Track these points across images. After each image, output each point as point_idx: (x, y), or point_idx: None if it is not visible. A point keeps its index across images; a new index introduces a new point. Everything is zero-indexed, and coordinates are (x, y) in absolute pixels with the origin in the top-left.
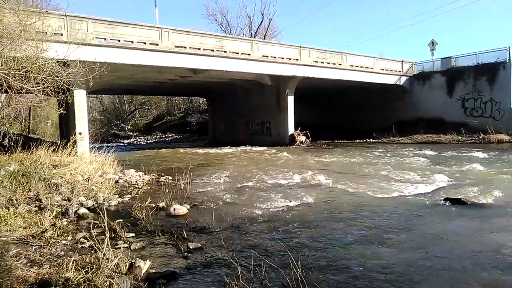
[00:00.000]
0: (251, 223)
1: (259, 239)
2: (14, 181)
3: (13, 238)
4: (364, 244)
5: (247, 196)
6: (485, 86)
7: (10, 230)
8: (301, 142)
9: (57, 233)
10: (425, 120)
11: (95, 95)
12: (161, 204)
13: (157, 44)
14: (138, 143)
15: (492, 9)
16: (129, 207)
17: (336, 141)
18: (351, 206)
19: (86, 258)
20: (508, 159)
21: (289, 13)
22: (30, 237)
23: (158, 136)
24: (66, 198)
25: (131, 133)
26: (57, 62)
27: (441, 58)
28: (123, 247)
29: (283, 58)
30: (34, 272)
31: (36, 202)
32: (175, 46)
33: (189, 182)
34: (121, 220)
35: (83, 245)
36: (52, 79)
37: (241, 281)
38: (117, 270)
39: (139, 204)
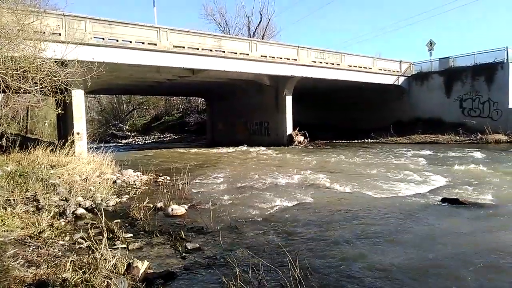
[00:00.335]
0: (249, 224)
1: (257, 239)
2: (12, 181)
3: (11, 239)
4: (362, 244)
5: (245, 196)
6: (483, 86)
7: (7, 231)
8: (299, 142)
9: (54, 233)
10: (423, 120)
11: (93, 95)
12: (159, 205)
13: (155, 44)
14: (136, 143)
15: (490, 10)
16: (127, 207)
17: (334, 141)
18: (349, 206)
19: (83, 258)
20: (505, 159)
21: (287, 13)
22: (28, 237)
23: (156, 136)
24: (64, 199)
25: (129, 133)
26: (55, 62)
27: (439, 58)
28: (121, 248)
29: (281, 58)
30: (31, 273)
31: (34, 202)
32: (174, 46)
33: (187, 182)
34: (119, 221)
35: (81, 246)
36: (50, 79)
37: (239, 282)
38: (114, 271)
39: (137, 204)
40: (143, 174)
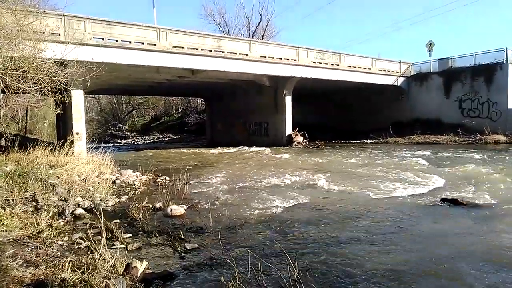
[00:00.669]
0: (248, 224)
1: (256, 239)
2: (11, 181)
3: (9, 239)
4: (361, 244)
5: (244, 196)
6: (482, 87)
7: (6, 231)
8: (299, 143)
9: (53, 233)
10: (422, 120)
11: (93, 95)
12: (158, 205)
13: (155, 44)
14: (135, 143)
15: (489, 10)
16: (126, 207)
17: (333, 141)
18: (348, 206)
19: (82, 258)
20: (504, 160)
21: (287, 13)
22: (27, 237)
23: (156, 137)
24: (63, 199)
25: (128, 133)
26: (55, 62)
27: (439, 59)
28: (119, 248)
29: (281, 58)
30: (30, 273)
31: (33, 202)
32: (173, 46)
33: (186, 183)
34: (118, 221)
35: (80, 246)
36: (50, 79)
37: (238, 282)
38: (113, 271)
39: (136, 204)
40: (142, 174)
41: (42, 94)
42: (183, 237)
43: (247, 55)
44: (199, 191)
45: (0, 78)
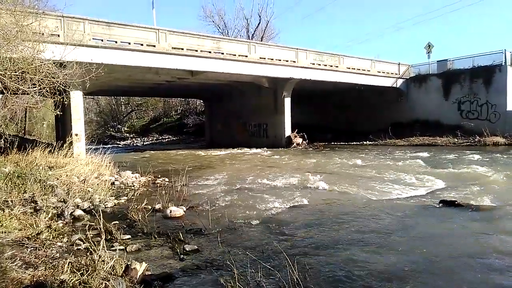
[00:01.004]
0: (248, 225)
1: (256, 241)
2: (10, 182)
3: (8, 240)
4: (360, 246)
5: (244, 198)
6: (481, 88)
7: (5, 232)
8: (298, 144)
9: (52, 235)
10: (421, 122)
11: (92, 96)
12: (157, 206)
13: (154, 46)
14: (134, 144)
15: (488, 12)
16: (125, 209)
17: (333, 143)
18: (347, 208)
19: (81, 260)
20: (503, 162)
21: (286, 15)
22: (26, 239)
23: (155, 138)
24: (62, 200)
25: (127, 134)
26: (54, 63)
27: (438, 61)
28: (119, 249)
29: (280, 60)
30: (29, 274)
31: (32, 203)
32: (172, 48)
33: (186, 184)
34: (117, 222)
35: (79, 247)
36: (49, 80)
37: (237, 283)
38: (112, 272)
39: (135, 206)
40: (141, 176)
41: (41, 95)
42: (182, 238)
43: (246, 56)
44: (198, 192)
45: None
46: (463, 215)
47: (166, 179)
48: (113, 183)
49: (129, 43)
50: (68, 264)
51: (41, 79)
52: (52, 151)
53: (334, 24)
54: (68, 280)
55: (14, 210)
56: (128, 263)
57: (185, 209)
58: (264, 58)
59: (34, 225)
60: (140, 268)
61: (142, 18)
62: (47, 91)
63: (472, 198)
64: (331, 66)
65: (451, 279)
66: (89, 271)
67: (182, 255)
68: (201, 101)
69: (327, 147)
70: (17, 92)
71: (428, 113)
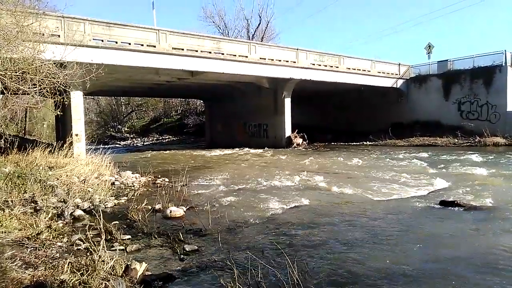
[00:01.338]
0: (248, 225)
1: (256, 241)
2: (10, 182)
3: (8, 240)
4: (360, 246)
5: (244, 198)
6: (481, 89)
7: (5, 232)
8: (298, 145)
9: (52, 235)
10: (421, 122)
11: (92, 97)
12: (157, 206)
13: (154, 46)
14: (134, 145)
15: (488, 13)
16: (125, 209)
17: (333, 143)
18: (347, 208)
19: (81, 260)
20: (503, 162)
21: (287, 15)
22: (26, 239)
23: (155, 138)
24: (62, 200)
25: (127, 134)
26: (54, 63)
27: (438, 61)
28: (119, 249)
29: (280, 60)
30: (29, 274)
31: (32, 203)
32: (173, 48)
33: (186, 184)
34: (117, 222)
35: (79, 247)
36: (49, 80)
37: (237, 284)
38: (112, 273)
39: (135, 206)
40: (141, 176)
41: (41, 96)
42: (182, 238)
43: (246, 57)
44: (198, 192)
45: None
46: (463, 216)
47: (166, 179)
48: (113, 183)
49: (130, 44)
50: (68, 264)
51: (42, 79)
52: (52, 151)
53: (335, 25)
54: (68, 280)
55: (14, 210)
56: (128, 263)
57: (185, 209)
58: (265, 59)
59: (34, 225)
60: (140, 268)
61: (142, 18)
62: (47, 91)
63: (472, 199)
64: (332, 66)
65: (451, 279)
66: (89, 271)
67: (182, 255)
68: (201, 101)
69: (327, 147)
70: (17, 92)
71: (428, 114)
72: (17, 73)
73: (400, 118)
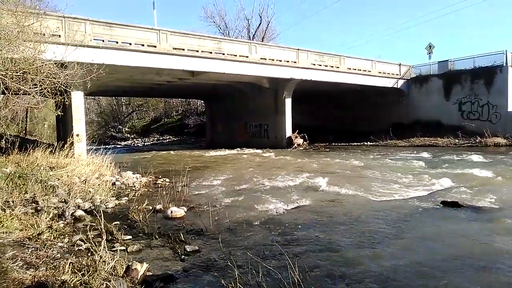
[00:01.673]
0: (249, 226)
1: (257, 242)
2: (11, 183)
3: (9, 240)
4: (361, 247)
5: (245, 198)
6: (482, 89)
7: (6, 232)
8: (299, 145)
9: (53, 235)
10: (422, 123)
11: (93, 97)
12: (158, 207)
13: (155, 46)
14: (135, 145)
15: (489, 13)
16: (126, 209)
17: (333, 143)
18: (348, 209)
19: (82, 260)
20: (504, 163)
21: (287, 15)
22: (27, 239)
23: (156, 138)
24: (63, 200)
25: (128, 135)
26: (55, 63)
27: (438, 62)
28: (120, 250)
29: (281, 60)
30: (30, 275)
31: (33, 204)
32: (173, 48)
33: (187, 185)
34: (118, 223)
35: (80, 248)
36: (50, 80)
37: (238, 284)
38: (113, 273)
39: (136, 206)
40: (142, 176)
41: (42, 96)
42: (183, 239)
43: (247, 57)
44: (199, 193)
45: (0, 80)
46: (464, 216)
47: (167, 180)
48: (114, 184)
49: (130, 44)
50: (69, 265)
51: (42, 79)
52: (53, 151)
53: (335, 25)
54: (69, 280)
55: (15, 211)
56: (129, 264)
57: (186, 209)
58: (265, 59)
59: (35, 226)
60: (141, 268)
61: (143, 19)
62: (48, 91)
63: (473, 199)
64: (332, 66)
65: (452, 280)
66: (90, 272)
67: (183, 256)
68: (202, 101)
69: (327, 147)
70: (18, 93)
71: (429, 114)
72: (18, 73)
73: (400, 119)
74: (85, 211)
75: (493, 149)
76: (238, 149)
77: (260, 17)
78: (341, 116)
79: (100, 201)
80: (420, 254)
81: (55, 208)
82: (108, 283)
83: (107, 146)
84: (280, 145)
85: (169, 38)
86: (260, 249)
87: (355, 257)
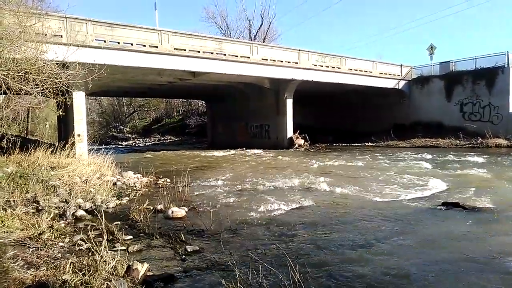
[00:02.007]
0: (249, 226)
1: (257, 242)
2: (12, 182)
3: (10, 240)
4: (362, 248)
5: (245, 199)
6: (483, 90)
7: (7, 232)
8: (300, 145)
9: (54, 235)
10: (423, 124)
11: (94, 97)
12: (159, 207)
13: (156, 47)
14: (136, 145)
15: (490, 14)
16: (127, 209)
17: (334, 144)
18: (349, 209)
19: (83, 260)
20: (506, 164)
21: (289, 16)
22: (28, 239)
23: (157, 139)
24: (64, 200)
25: (129, 135)
26: (57, 63)
27: (440, 63)
28: (120, 250)
29: (282, 61)
30: (31, 275)
31: (34, 204)
32: (175, 49)
33: (187, 185)
34: (119, 223)
35: (81, 248)
36: (51, 80)
37: (238, 284)
38: (114, 273)
39: (137, 206)
40: (143, 176)
41: (43, 96)
42: (184, 239)
43: (248, 57)
44: (200, 193)
45: (2, 80)
46: (465, 217)
47: (168, 180)
48: (115, 184)
49: (132, 44)
50: (70, 264)
51: (44, 79)
52: (54, 151)
53: (337, 26)
54: (70, 280)
55: (16, 210)
56: (130, 264)
57: (186, 209)
58: (266, 59)
59: (36, 225)
60: (141, 268)
61: (144, 19)
62: (49, 91)
63: (475, 200)
64: (334, 67)
65: (453, 281)
66: (91, 272)
67: (183, 256)
68: (203, 102)
69: (329, 148)
70: (20, 93)
71: (430, 115)
72: (20, 74)
73: (402, 119)
74: (86, 211)
75: (495, 150)
76: (239, 149)
77: (262, 17)
78: (342, 116)
79: (101, 201)
80: (422, 254)
81: (56, 208)
82: (109, 283)
83: (108, 146)
84: (281, 145)
85: (171, 39)
86: (261, 249)
87: (355, 258)
